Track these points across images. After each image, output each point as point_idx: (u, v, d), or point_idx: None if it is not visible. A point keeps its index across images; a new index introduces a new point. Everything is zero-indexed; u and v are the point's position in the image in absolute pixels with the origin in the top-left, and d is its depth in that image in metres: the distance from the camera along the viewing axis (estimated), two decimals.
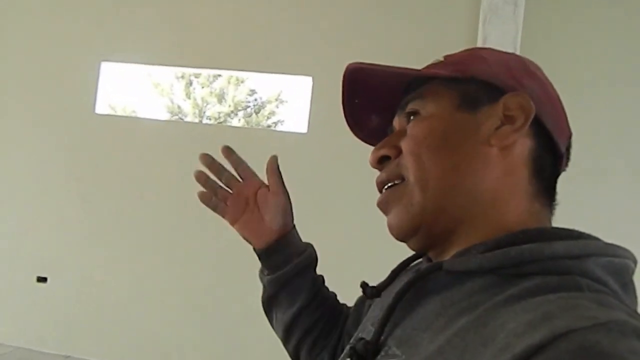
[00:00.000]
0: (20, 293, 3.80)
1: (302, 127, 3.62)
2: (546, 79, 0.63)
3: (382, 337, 0.56)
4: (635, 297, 0.50)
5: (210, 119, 19.42)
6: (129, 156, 3.75)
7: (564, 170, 0.62)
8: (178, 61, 3.88)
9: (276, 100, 20.06)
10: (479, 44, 2.95)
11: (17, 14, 3.95)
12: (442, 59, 0.64)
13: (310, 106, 3.54)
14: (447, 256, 0.56)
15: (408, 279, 0.56)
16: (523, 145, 0.57)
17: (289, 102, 20.46)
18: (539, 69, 0.63)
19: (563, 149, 0.60)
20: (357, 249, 3.39)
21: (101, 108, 3.91)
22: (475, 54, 0.63)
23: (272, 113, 20.02)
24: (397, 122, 0.66)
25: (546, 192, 0.58)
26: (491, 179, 0.56)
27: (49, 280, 3.77)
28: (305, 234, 3.64)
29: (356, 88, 0.67)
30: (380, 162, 0.63)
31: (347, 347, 0.59)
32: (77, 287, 3.72)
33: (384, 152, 0.62)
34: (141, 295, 3.66)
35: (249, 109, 20.20)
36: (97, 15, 3.84)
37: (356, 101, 0.67)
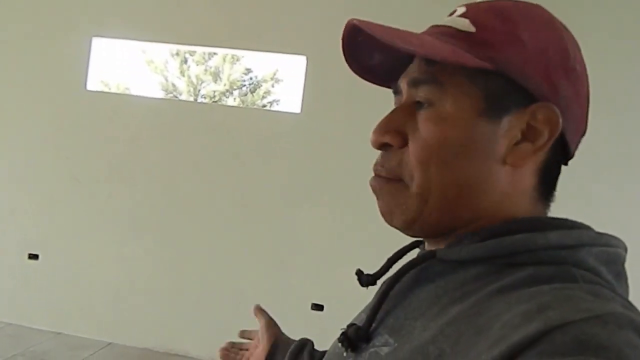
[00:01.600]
0: (11, 270, 3.79)
1: (295, 107, 3.59)
2: (584, 69, 0.54)
3: (374, 325, 0.55)
4: (627, 286, 0.50)
5: (205, 98, 19.30)
6: (121, 134, 3.71)
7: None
8: (171, 38, 3.82)
9: (272, 79, 19.96)
10: None
11: None
12: (470, 26, 0.52)
13: (304, 86, 3.50)
14: (443, 244, 0.55)
15: (401, 267, 0.56)
16: (536, 158, 0.53)
17: (285, 82, 20.37)
18: (578, 57, 0.54)
19: (575, 150, 0.56)
20: (350, 231, 3.40)
21: (93, 85, 3.86)
22: (513, 34, 0.51)
23: (268, 92, 19.93)
24: (404, 89, 0.56)
25: (549, 191, 0.56)
26: (495, 195, 0.52)
27: (40, 257, 3.76)
28: (298, 215, 3.65)
29: (361, 31, 0.54)
30: (382, 147, 0.56)
31: (339, 333, 0.58)
32: (68, 265, 3.72)
33: (388, 139, 0.55)
34: (132, 273, 3.66)
35: (244, 88, 20.10)
36: None
37: (359, 39, 0.56)
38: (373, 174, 0.58)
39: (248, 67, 19.82)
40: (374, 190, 0.57)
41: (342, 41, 0.57)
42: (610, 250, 0.49)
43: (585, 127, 0.56)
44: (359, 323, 0.58)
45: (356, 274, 0.66)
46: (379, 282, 0.63)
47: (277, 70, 19.72)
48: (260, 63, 20.45)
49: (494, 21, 0.52)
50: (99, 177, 3.72)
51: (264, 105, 19.37)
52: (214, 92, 19.47)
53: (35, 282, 3.75)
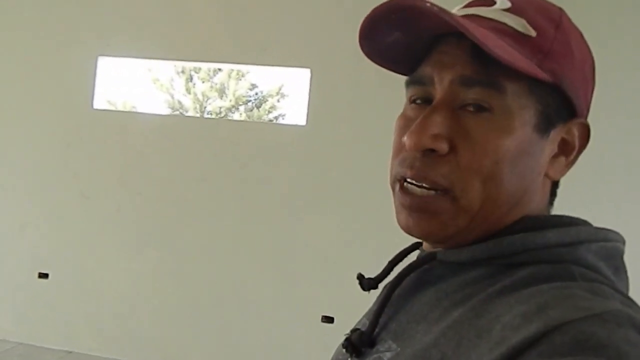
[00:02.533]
0: (22, 289, 3.80)
1: (301, 119, 3.61)
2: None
3: (377, 330, 0.55)
4: (627, 280, 0.50)
5: (211, 114, 19.43)
6: (128, 151, 3.74)
7: None
8: (176, 55, 3.86)
9: (277, 94, 20.07)
10: None
11: (11, 9, 3.93)
12: (529, 28, 0.49)
13: (308, 98, 3.52)
14: (443, 246, 0.55)
15: (401, 270, 0.56)
16: None
17: (291, 96, 20.47)
18: (594, 65, 0.55)
19: None
20: (358, 241, 3.38)
21: (99, 103, 3.90)
22: (566, 43, 0.50)
23: (273, 107, 20.02)
24: (443, 84, 0.50)
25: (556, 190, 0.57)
26: (534, 204, 0.53)
27: (50, 276, 3.77)
28: (306, 227, 3.63)
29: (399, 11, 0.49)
30: (424, 152, 0.50)
31: (343, 338, 0.58)
32: (78, 283, 3.73)
33: (434, 145, 0.49)
34: (142, 290, 3.66)
35: (250, 104, 20.21)
36: (93, 8, 3.82)
37: (393, 16, 0.49)
38: (398, 181, 0.52)
39: (253, 82, 19.97)
40: (408, 207, 0.51)
41: (370, 17, 0.50)
42: (609, 245, 0.49)
43: None
44: (362, 327, 0.58)
45: (357, 278, 0.65)
46: (381, 286, 0.63)
47: (282, 85, 19.85)
48: (266, 78, 20.59)
49: (549, 26, 0.50)
50: (108, 194, 3.74)
51: (270, 120, 19.46)
52: (220, 108, 19.59)
53: (45, 301, 3.75)
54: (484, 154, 0.48)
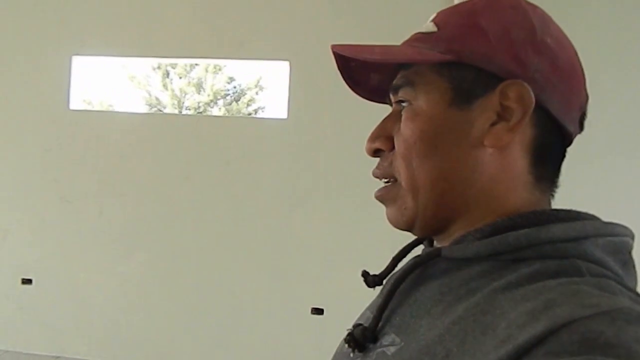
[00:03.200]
0: (5, 296, 3.74)
1: (282, 112, 3.59)
2: (560, 41, 0.54)
3: (381, 324, 0.55)
4: (636, 275, 0.50)
5: (189, 110, 19.23)
6: (107, 152, 3.68)
7: (578, 133, 0.56)
8: (151, 52, 3.80)
9: (256, 86, 19.92)
10: None
11: None
12: (433, 27, 0.56)
13: (289, 91, 3.50)
14: (448, 241, 0.55)
15: (406, 265, 0.56)
16: (522, 137, 0.52)
17: (270, 88, 20.34)
18: (550, 31, 0.53)
19: (572, 127, 0.54)
20: (346, 233, 3.39)
21: (75, 104, 3.82)
22: (473, 24, 0.53)
23: (253, 100, 19.88)
24: (392, 99, 0.61)
25: (548, 175, 0.54)
26: (484, 180, 0.52)
27: (33, 282, 3.71)
28: (293, 220, 3.63)
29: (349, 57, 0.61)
30: (376, 153, 0.60)
31: (345, 333, 0.58)
32: (62, 287, 3.68)
33: (377, 145, 0.59)
34: (128, 292, 3.63)
35: (228, 97, 20.03)
36: (65, 7, 3.73)
37: (352, 64, 0.62)
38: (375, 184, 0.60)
39: (231, 76, 19.78)
40: (380, 201, 0.60)
41: (339, 70, 0.62)
42: (617, 240, 0.49)
43: (585, 95, 0.55)
44: (365, 322, 0.58)
45: (362, 275, 0.65)
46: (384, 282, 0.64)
47: (260, 78, 19.70)
48: (243, 71, 20.41)
49: (455, 18, 0.56)
50: (89, 196, 3.68)
51: (250, 114, 19.33)
52: (198, 103, 19.39)
53: (30, 307, 3.70)
54: (404, 139, 0.55)
